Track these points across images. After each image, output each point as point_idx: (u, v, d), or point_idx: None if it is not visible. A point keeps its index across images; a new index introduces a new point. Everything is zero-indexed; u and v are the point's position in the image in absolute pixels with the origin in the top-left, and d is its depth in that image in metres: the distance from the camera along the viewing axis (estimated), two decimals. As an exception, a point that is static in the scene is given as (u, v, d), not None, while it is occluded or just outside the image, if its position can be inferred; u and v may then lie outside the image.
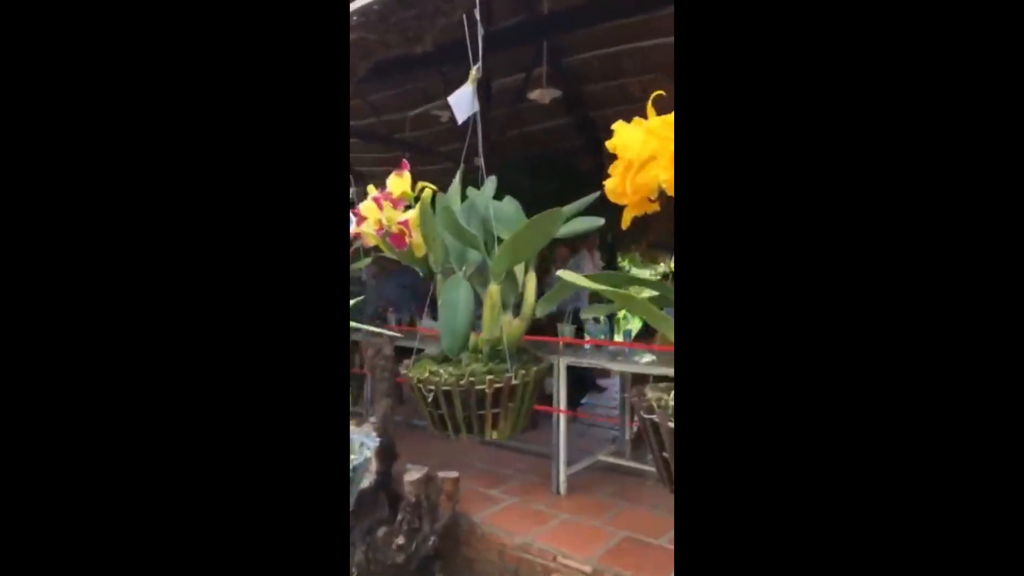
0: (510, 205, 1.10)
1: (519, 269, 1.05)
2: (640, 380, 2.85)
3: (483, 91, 4.34)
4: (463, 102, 1.03)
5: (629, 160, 0.65)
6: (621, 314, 5.15)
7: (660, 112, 0.65)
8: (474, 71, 1.02)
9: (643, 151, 0.64)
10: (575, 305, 4.32)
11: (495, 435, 0.95)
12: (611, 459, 2.63)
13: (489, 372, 0.94)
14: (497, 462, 2.79)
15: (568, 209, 1.05)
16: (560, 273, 0.69)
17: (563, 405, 2.40)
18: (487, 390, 0.91)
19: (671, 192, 0.63)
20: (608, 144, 0.67)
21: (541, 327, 3.84)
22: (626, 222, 0.73)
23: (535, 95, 3.97)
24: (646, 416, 0.71)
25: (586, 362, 2.38)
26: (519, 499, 2.37)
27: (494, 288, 0.97)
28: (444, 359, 1.00)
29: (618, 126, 0.67)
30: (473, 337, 1.01)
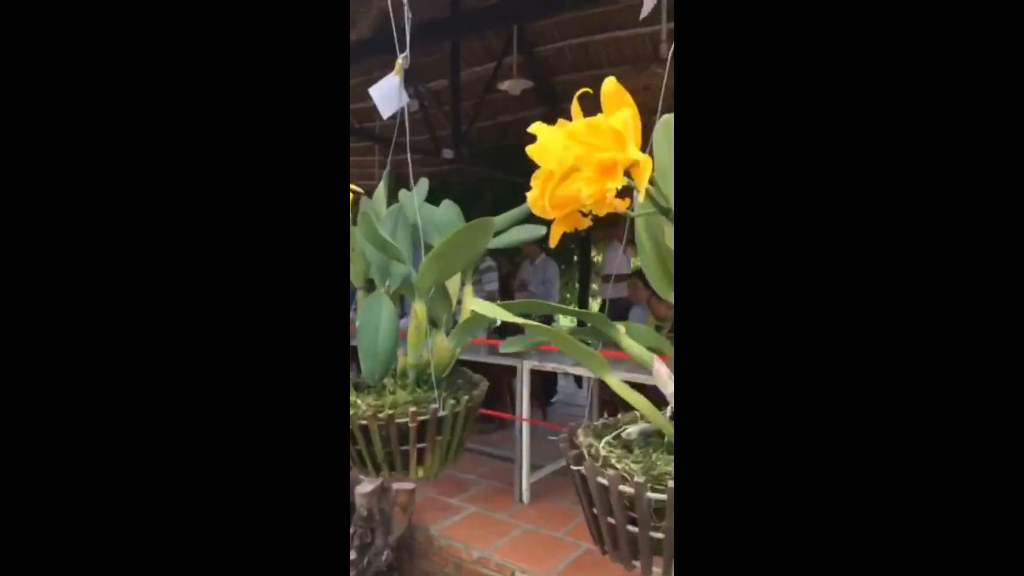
0: (447, 211, 0.99)
1: (453, 283, 0.94)
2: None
3: (452, 79, 4.19)
4: (388, 95, 0.91)
5: (549, 170, 0.54)
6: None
7: (589, 113, 0.54)
8: (400, 60, 0.90)
9: (564, 159, 0.53)
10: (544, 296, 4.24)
11: (421, 473, 0.85)
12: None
13: (413, 402, 0.83)
14: (459, 467, 2.70)
15: (504, 218, 0.94)
16: (472, 305, 0.58)
17: (525, 411, 2.31)
18: (410, 423, 0.81)
19: (598, 211, 0.53)
20: (528, 149, 0.57)
21: (503, 333, 3.76)
22: (554, 239, 0.63)
23: (506, 85, 3.85)
24: (574, 468, 0.61)
25: (551, 366, 2.29)
26: (479, 508, 2.28)
27: (419, 306, 0.86)
28: (365, 387, 0.89)
29: (536, 128, 0.56)
30: (403, 360, 0.90)
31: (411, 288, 0.89)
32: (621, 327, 0.61)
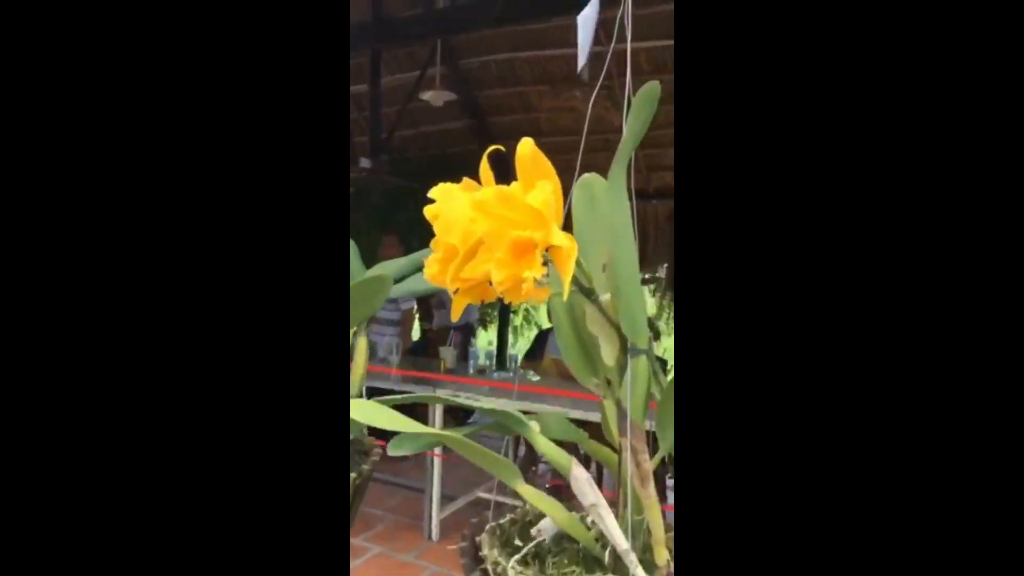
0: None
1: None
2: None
3: (371, 85, 4.02)
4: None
5: (450, 247, 0.44)
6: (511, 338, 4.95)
7: (502, 178, 0.45)
8: None
9: (470, 233, 0.43)
10: (466, 320, 4.12)
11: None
12: (489, 495, 2.45)
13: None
14: (365, 500, 2.53)
15: (405, 262, 0.83)
16: (353, 412, 0.47)
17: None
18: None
19: (511, 299, 0.43)
20: (426, 212, 0.46)
21: (424, 347, 3.62)
22: (455, 314, 0.53)
23: (428, 96, 3.72)
24: (475, 591, 0.51)
25: (464, 399, 2.18)
26: (385, 548, 2.13)
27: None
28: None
29: (438, 191, 0.46)
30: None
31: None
32: (535, 425, 0.52)
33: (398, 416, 0.50)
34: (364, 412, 0.47)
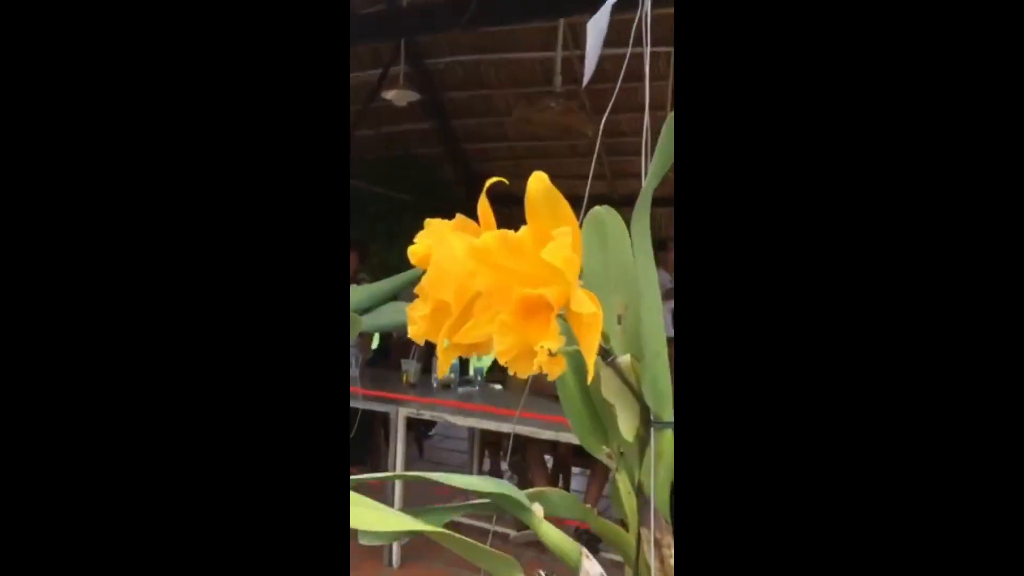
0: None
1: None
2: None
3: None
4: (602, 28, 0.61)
5: (440, 303, 0.35)
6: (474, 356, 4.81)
7: (506, 220, 0.36)
8: None
9: (466, 288, 0.35)
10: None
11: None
12: (460, 518, 2.34)
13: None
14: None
15: (376, 289, 0.73)
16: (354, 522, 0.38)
17: (400, 461, 2.08)
18: None
19: (518, 370, 0.34)
20: (410, 253, 0.38)
21: (386, 355, 3.48)
22: (442, 370, 0.44)
23: (391, 95, 3.59)
24: None
25: (429, 415, 2.08)
26: (343, 576, 2.00)
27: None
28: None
29: (426, 232, 0.37)
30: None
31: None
32: (538, 509, 0.43)
33: (368, 504, 0.41)
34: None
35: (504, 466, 2.90)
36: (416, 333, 0.38)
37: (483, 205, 0.36)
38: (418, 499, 2.33)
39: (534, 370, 0.34)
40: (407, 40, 3.57)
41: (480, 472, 2.84)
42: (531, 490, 0.45)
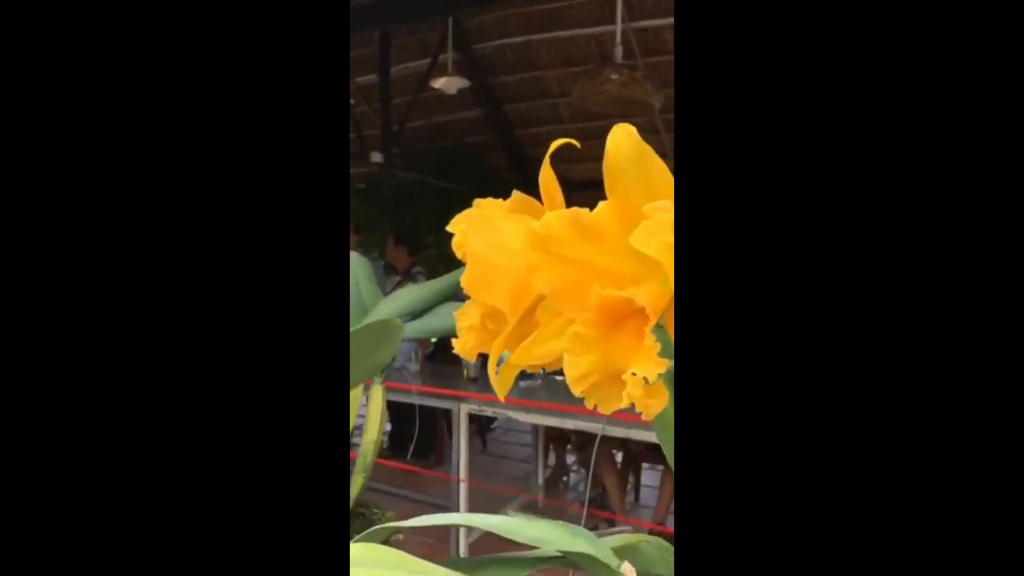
0: (356, 268, 0.69)
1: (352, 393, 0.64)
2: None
3: (381, 75, 3.87)
4: None
5: (491, 308, 0.26)
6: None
7: (575, 188, 0.27)
8: None
9: (522, 291, 0.25)
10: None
11: None
12: (519, 514, 2.27)
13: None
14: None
15: (421, 294, 0.65)
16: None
17: (463, 460, 2.02)
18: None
19: (602, 406, 0.25)
20: (455, 246, 0.29)
21: (444, 348, 3.45)
22: (501, 392, 0.35)
23: (440, 83, 3.53)
24: None
25: (491, 411, 2.01)
26: (410, 574, 1.97)
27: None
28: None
29: (467, 214, 0.28)
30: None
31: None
32: (628, 569, 0.33)
33: (407, 560, 0.32)
34: (370, 556, 0.30)
35: (570, 460, 2.81)
36: (464, 347, 0.29)
37: (547, 175, 0.26)
38: (482, 498, 2.28)
39: (623, 403, 0.24)
40: (454, 26, 3.50)
41: (546, 467, 2.77)
42: (616, 539, 0.35)
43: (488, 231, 0.27)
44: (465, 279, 0.26)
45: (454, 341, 0.30)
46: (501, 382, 0.31)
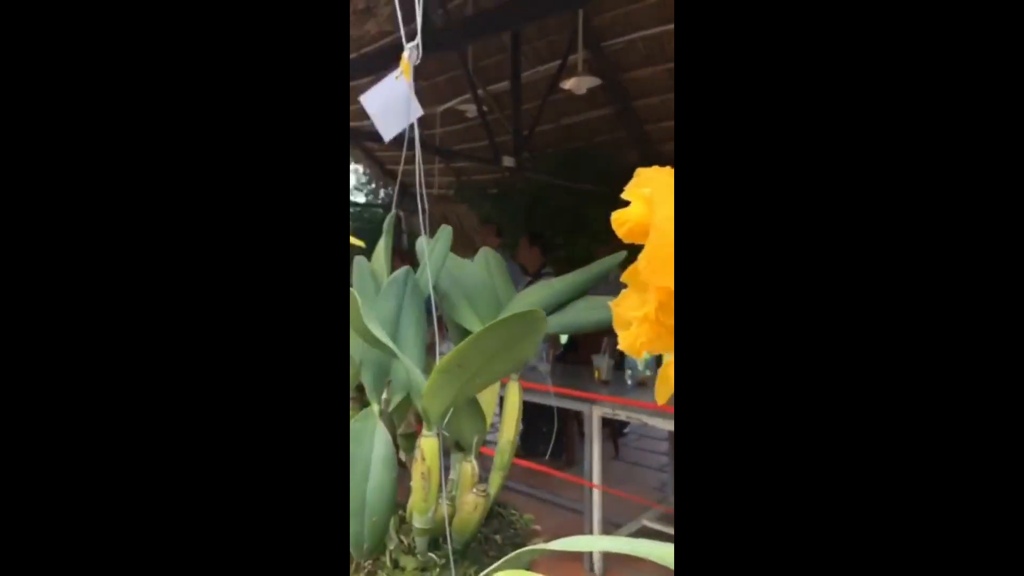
0: (480, 270, 0.67)
1: (488, 391, 0.62)
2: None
3: (512, 81, 3.91)
4: (391, 106, 0.59)
5: (667, 292, 0.21)
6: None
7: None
8: (406, 55, 0.58)
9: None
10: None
11: None
12: (656, 525, 2.16)
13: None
14: (521, 519, 2.38)
15: (561, 288, 0.61)
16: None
17: (596, 464, 1.97)
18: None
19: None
20: (615, 222, 0.24)
21: (574, 348, 3.40)
22: (662, 395, 0.30)
23: (570, 84, 3.50)
24: None
25: (624, 415, 1.93)
26: (543, 579, 1.95)
27: (427, 442, 0.54)
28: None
29: (639, 181, 0.23)
30: (415, 515, 0.59)
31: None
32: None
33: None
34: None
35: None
36: (632, 344, 0.24)
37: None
38: (617, 505, 2.20)
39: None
40: (584, 24, 3.46)
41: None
42: None
43: (666, 203, 0.22)
44: (643, 258, 0.21)
45: (620, 336, 0.25)
46: (663, 385, 0.26)
